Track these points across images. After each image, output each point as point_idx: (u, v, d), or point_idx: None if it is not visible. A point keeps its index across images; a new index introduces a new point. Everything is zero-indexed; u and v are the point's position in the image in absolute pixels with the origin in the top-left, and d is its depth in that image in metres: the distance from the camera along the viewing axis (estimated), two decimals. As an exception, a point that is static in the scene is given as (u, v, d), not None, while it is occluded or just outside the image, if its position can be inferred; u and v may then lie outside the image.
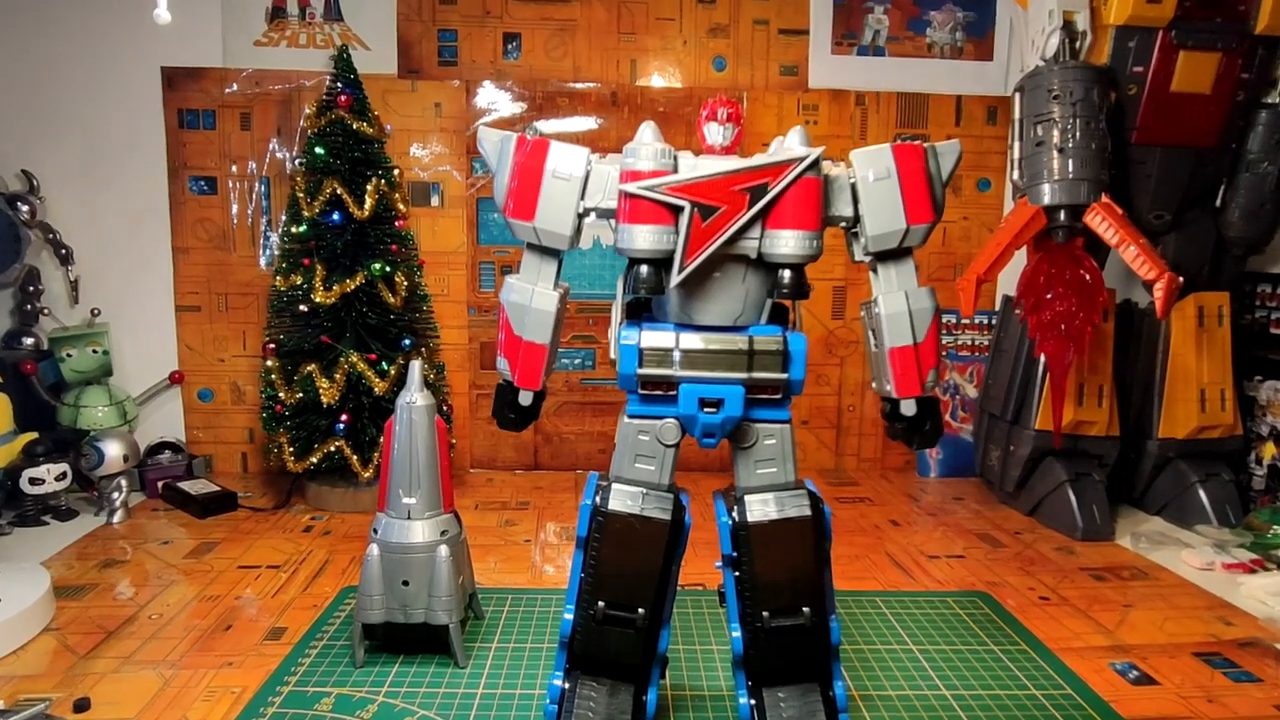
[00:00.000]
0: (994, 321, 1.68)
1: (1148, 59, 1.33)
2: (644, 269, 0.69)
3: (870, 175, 0.70)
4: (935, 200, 0.71)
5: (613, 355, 0.75)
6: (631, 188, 0.67)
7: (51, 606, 1.04)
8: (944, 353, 1.70)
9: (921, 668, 0.95)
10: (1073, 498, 1.39)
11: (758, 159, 0.68)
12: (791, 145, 0.69)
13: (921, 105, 1.71)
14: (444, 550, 0.93)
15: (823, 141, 1.71)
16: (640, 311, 0.78)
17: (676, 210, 0.67)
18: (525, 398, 0.76)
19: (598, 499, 0.74)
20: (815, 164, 0.67)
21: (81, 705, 0.84)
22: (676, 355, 0.71)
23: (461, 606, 0.95)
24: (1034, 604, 1.12)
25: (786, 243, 0.68)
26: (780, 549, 0.72)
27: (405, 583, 0.92)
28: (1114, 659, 0.97)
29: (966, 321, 1.75)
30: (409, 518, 0.93)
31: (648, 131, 0.69)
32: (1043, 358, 1.39)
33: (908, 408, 0.73)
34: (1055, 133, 1.30)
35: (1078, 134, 1.28)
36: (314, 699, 0.86)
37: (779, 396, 0.73)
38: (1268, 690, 0.91)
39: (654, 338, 0.72)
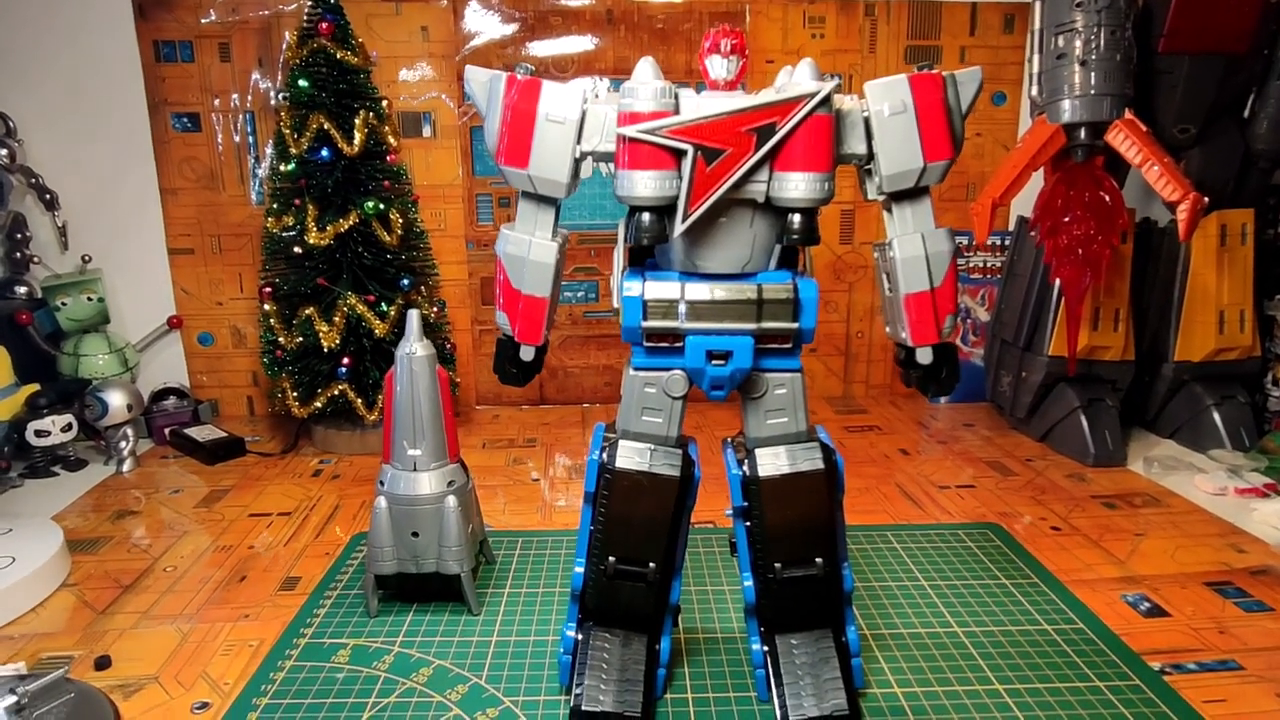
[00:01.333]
0: (1008, 243, 1.63)
1: (1179, -42, 1.24)
2: (646, 216, 0.65)
3: (885, 109, 0.66)
4: (955, 135, 0.66)
5: (615, 304, 0.72)
6: (630, 131, 0.63)
7: (67, 562, 1.05)
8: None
9: (933, 603, 0.95)
10: (1085, 424, 1.38)
11: (764, 96, 0.63)
12: (801, 80, 0.64)
13: (934, 14, 1.62)
14: (452, 500, 0.92)
15: (830, 56, 1.64)
16: (643, 257, 0.74)
17: (679, 154, 0.63)
18: (527, 353, 0.74)
19: (604, 456, 0.72)
20: (826, 100, 0.63)
21: (103, 663, 0.85)
22: (682, 307, 0.68)
23: (472, 554, 0.96)
24: (1045, 534, 1.12)
25: (796, 186, 0.64)
26: (792, 502, 0.71)
27: (415, 534, 0.92)
28: (1126, 590, 0.97)
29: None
30: (415, 469, 0.92)
31: (646, 68, 0.65)
32: (1058, 283, 1.35)
33: (924, 355, 0.70)
34: (1078, 43, 1.22)
35: (1102, 44, 1.21)
36: (330, 650, 0.87)
37: (789, 345, 0.70)
38: (1279, 620, 0.91)
39: (658, 289, 0.69)
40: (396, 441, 0.93)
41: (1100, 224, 1.26)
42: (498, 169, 0.69)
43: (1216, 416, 1.41)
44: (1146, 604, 0.95)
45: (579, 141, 0.67)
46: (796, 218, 0.66)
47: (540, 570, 1.03)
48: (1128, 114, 1.21)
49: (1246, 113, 1.38)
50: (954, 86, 0.67)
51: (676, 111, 0.64)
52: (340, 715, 0.77)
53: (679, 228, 0.65)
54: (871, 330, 1.75)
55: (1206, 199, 1.20)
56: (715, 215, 0.67)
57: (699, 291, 0.68)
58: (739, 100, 0.63)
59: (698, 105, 0.64)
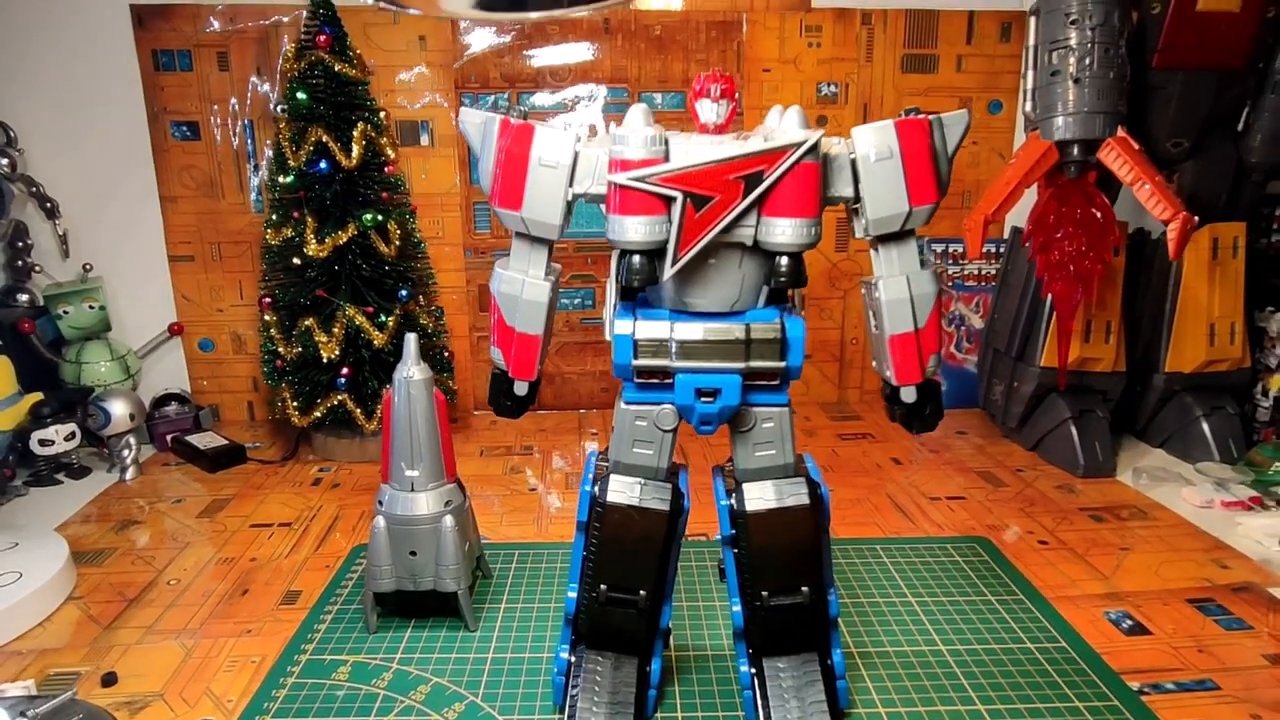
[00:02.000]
0: (1002, 251, 1.64)
1: (1174, -27, 1.25)
2: (636, 259, 0.66)
3: (872, 155, 0.66)
4: (940, 179, 0.67)
5: (608, 337, 0.73)
6: (621, 178, 0.64)
7: (73, 575, 1.07)
8: (945, 332, 1.67)
9: (919, 620, 0.97)
10: (1075, 435, 1.39)
11: (753, 144, 0.64)
12: (789, 128, 0.65)
13: (931, 23, 1.62)
14: (449, 520, 0.94)
15: (827, 65, 1.65)
16: (635, 292, 0.76)
17: (669, 200, 0.64)
18: (520, 388, 0.76)
19: (596, 489, 0.74)
20: (813, 149, 0.64)
21: (109, 680, 0.87)
22: (672, 346, 0.70)
23: (469, 572, 0.98)
24: (1032, 548, 1.14)
25: (784, 231, 0.66)
26: (778, 536, 0.73)
27: (413, 553, 0.94)
28: (1109, 607, 0.99)
29: (974, 251, 1.71)
30: (413, 490, 0.94)
31: (638, 115, 0.66)
32: (1050, 297, 1.37)
33: (908, 395, 0.72)
34: (1071, 61, 1.23)
35: (1095, 62, 1.22)
36: (331, 667, 0.89)
37: (777, 382, 0.72)
38: (1258, 639, 0.93)
39: (649, 328, 0.70)
40: (395, 462, 0.94)
41: (1092, 240, 1.27)
42: (491, 210, 0.70)
43: (1206, 427, 1.42)
44: (1129, 621, 0.97)
45: (571, 185, 0.68)
46: (784, 260, 0.67)
47: (536, 584, 1.06)
48: (1120, 132, 1.22)
49: (1240, 126, 1.39)
50: (940, 130, 0.67)
51: (667, 158, 0.65)
52: (340, 735, 0.79)
53: (668, 271, 0.66)
54: (865, 337, 1.77)
55: (1196, 218, 1.21)
56: (705, 257, 0.68)
57: (688, 331, 0.69)
58: (727, 149, 0.64)
59: (687, 152, 0.65)
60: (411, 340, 0.93)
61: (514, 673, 0.88)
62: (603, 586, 0.75)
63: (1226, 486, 1.29)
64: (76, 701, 0.76)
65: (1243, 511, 1.22)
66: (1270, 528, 1.14)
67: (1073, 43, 1.23)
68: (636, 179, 0.64)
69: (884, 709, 0.82)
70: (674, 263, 0.65)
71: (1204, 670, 0.88)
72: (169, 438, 1.53)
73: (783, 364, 0.70)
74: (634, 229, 0.65)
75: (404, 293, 1.42)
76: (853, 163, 0.68)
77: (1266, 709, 0.82)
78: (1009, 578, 1.06)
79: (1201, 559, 1.11)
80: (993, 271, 1.71)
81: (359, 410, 1.41)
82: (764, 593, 0.74)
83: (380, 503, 0.95)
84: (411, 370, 0.93)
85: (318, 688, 0.86)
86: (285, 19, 1.53)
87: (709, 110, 0.68)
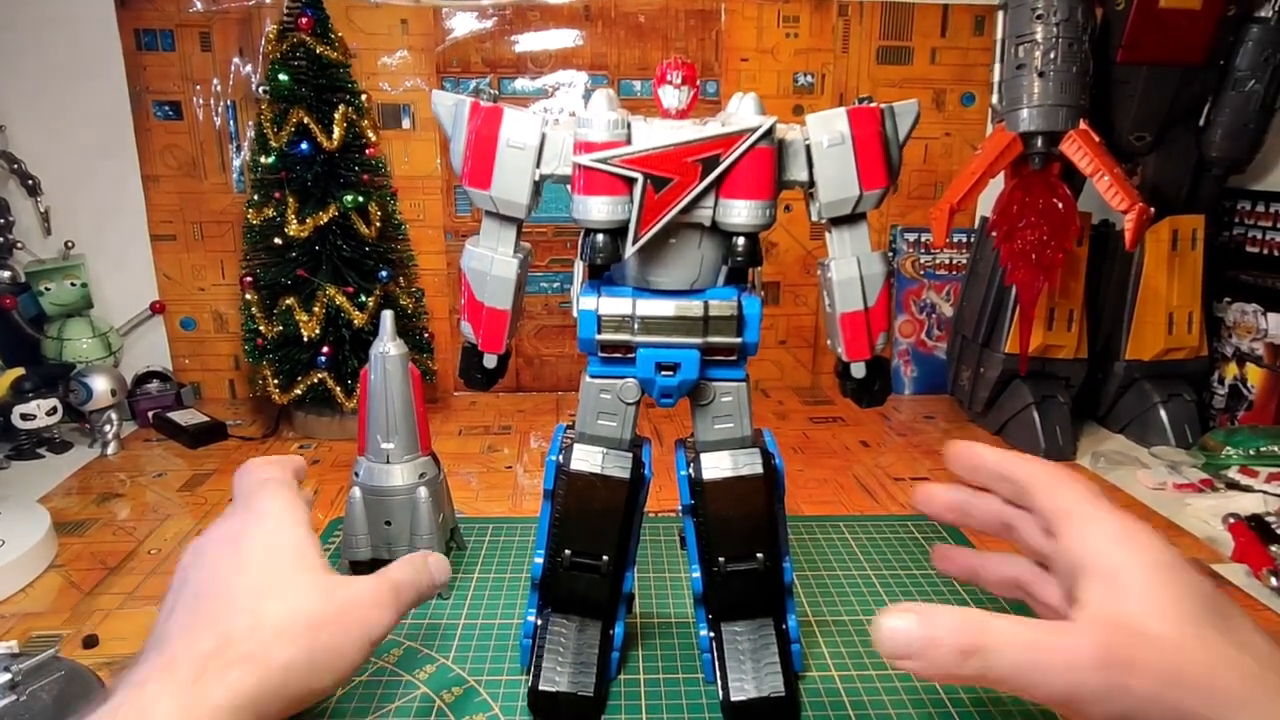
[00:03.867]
0: (972, 241, 1.68)
1: (1138, -30, 1.28)
2: (600, 238, 0.69)
3: (825, 140, 0.69)
4: (890, 165, 0.70)
5: (574, 315, 0.76)
6: (585, 159, 0.67)
7: (54, 544, 1.10)
8: (893, 316, 1.71)
9: (876, 591, 1.01)
10: (1037, 419, 1.44)
11: (710, 129, 0.67)
12: (745, 114, 0.68)
13: (906, 15, 1.66)
14: (423, 492, 0.97)
15: (804, 55, 1.68)
16: (601, 271, 0.78)
17: (630, 181, 0.67)
18: (490, 360, 0.79)
19: (560, 457, 0.77)
20: (768, 134, 0.67)
21: (90, 642, 0.90)
22: (634, 322, 0.72)
23: (443, 542, 1.01)
24: (989, 526, 1.18)
25: (740, 212, 0.68)
26: (734, 503, 0.76)
27: (388, 523, 0.97)
28: (1057, 581, 1.04)
29: (945, 241, 1.75)
30: (388, 462, 0.97)
31: (602, 100, 0.69)
32: (1014, 285, 1.41)
33: (858, 370, 0.75)
34: (1036, 55, 1.27)
35: (1059, 56, 1.25)
36: (307, 632, 0.92)
37: (735, 358, 0.75)
38: (1195, 610, 0.97)
39: (612, 304, 0.73)
40: (371, 435, 0.97)
41: (1053, 230, 1.31)
42: (462, 189, 0.73)
43: (1163, 413, 1.47)
44: (1075, 594, 1.01)
45: (538, 165, 0.71)
46: (741, 241, 0.69)
47: (510, 556, 1.09)
48: (1082, 124, 1.26)
49: (1201, 121, 1.43)
50: (892, 118, 0.70)
51: (629, 141, 0.68)
52: (314, 693, 0.82)
53: (629, 250, 0.69)
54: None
55: (1153, 209, 1.25)
56: (665, 237, 0.71)
57: (649, 308, 0.72)
58: (686, 133, 0.67)
59: (648, 136, 0.68)
60: (388, 317, 0.96)
61: (484, 637, 0.91)
62: (567, 552, 0.78)
63: (1179, 470, 1.34)
64: (59, 659, 0.79)
65: (1193, 493, 1.27)
66: (1216, 508, 1.18)
67: (1038, 37, 1.26)
68: (599, 160, 0.66)
69: (836, 672, 0.86)
70: (634, 241, 0.68)
71: (1142, 639, 0.92)
72: (150, 414, 1.55)
73: (739, 340, 0.73)
74: (597, 209, 0.68)
75: (384, 274, 1.44)
76: (807, 149, 0.70)
77: (1197, 674, 0.86)
78: (965, 553, 1.10)
79: (1149, 537, 1.15)
80: (963, 261, 1.75)
81: (339, 388, 1.43)
82: (721, 559, 0.78)
83: (357, 474, 0.98)
84: (388, 345, 0.96)
85: (293, 651, 0.89)
86: (268, 1, 1.54)
87: (671, 96, 0.71)
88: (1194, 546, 1.12)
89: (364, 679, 0.84)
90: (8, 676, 0.73)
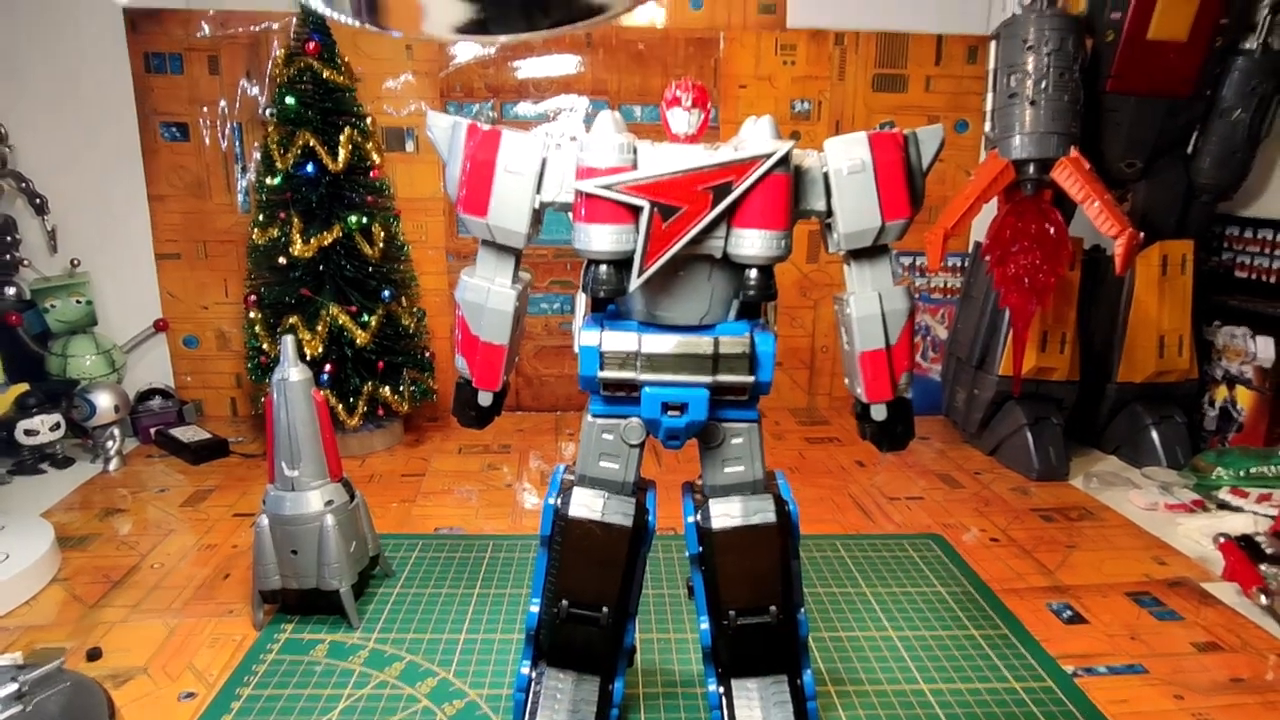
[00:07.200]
0: (966, 265, 1.71)
1: (1125, 4, 1.32)
2: (603, 269, 0.65)
3: (844, 168, 0.65)
4: (914, 193, 0.66)
5: (575, 349, 0.71)
6: (588, 186, 0.63)
7: (58, 558, 1.10)
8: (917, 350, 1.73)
9: (873, 609, 1.02)
10: (1031, 440, 1.46)
11: (722, 154, 0.64)
12: (760, 138, 0.65)
13: (901, 45, 1.69)
14: (329, 519, 0.94)
15: (800, 82, 1.71)
16: (605, 303, 0.73)
17: (636, 210, 0.64)
18: (484, 398, 0.74)
19: (559, 501, 0.72)
20: (784, 160, 0.63)
21: (94, 654, 0.90)
22: (639, 358, 0.67)
23: (354, 571, 0.98)
24: (984, 545, 1.19)
25: (753, 243, 0.64)
26: (745, 554, 0.71)
27: (294, 552, 0.95)
28: (1051, 599, 1.05)
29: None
30: (293, 489, 0.95)
31: (607, 122, 0.66)
32: (1007, 308, 1.43)
33: (878, 413, 0.70)
34: (1028, 84, 1.30)
35: (1050, 85, 1.29)
36: (309, 645, 0.93)
37: (746, 398, 0.70)
38: (1187, 628, 0.99)
39: (615, 339, 0.68)
40: (276, 463, 0.95)
41: (1046, 255, 1.34)
42: (457, 216, 0.71)
43: (1155, 435, 1.49)
44: (1069, 612, 1.02)
45: (538, 192, 0.67)
46: (754, 273, 0.65)
47: (509, 572, 1.10)
48: (1073, 152, 1.29)
49: (1190, 149, 1.46)
50: (915, 145, 0.66)
51: (635, 166, 0.64)
52: (317, 704, 0.83)
53: (634, 283, 0.65)
54: (836, 347, 1.82)
55: (1142, 235, 1.28)
56: (674, 269, 0.66)
57: (656, 344, 0.67)
58: (696, 159, 0.63)
59: (656, 161, 0.64)
60: (289, 342, 0.93)
61: (485, 652, 0.92)
62: (564, 602, 0.72)
63: (1171, 490, 1.36)
64: (63, 671, 0.79)
65: (1184, 513, 1.29)
66: (1207, 528, 1.20)
67: (1029, 67, 1.30)
68: (603, 187, 0.64)
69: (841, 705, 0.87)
70: (640, 274, 0.64)
71: (1135, 656, 0.93)
72: (152, 431, 1.56)
73: (751, 379, 0.67)
74: (600, 238, 0.64)
75: (387, 293, 1.46)
76: (825, 176, 0.66)
77: (1189, 690, 0.87)
78: (960, 571, 1.11)
79: (1142, 556, 1.17)
80: (957, 285, 1.78)
81: (340, 406, 1.44)
82: (731, 612, 0.72)
83: (264, 502, 0.96)
84: (289, 372, 0.93)
85: (296, 663, 0.90)
86: (275, 25, 1.57)
87: (680, 119, 0.66)
88: (1185, 565, 1.14)
89: (366, 692, 0.85)
90: (14, 687, 0.74)
